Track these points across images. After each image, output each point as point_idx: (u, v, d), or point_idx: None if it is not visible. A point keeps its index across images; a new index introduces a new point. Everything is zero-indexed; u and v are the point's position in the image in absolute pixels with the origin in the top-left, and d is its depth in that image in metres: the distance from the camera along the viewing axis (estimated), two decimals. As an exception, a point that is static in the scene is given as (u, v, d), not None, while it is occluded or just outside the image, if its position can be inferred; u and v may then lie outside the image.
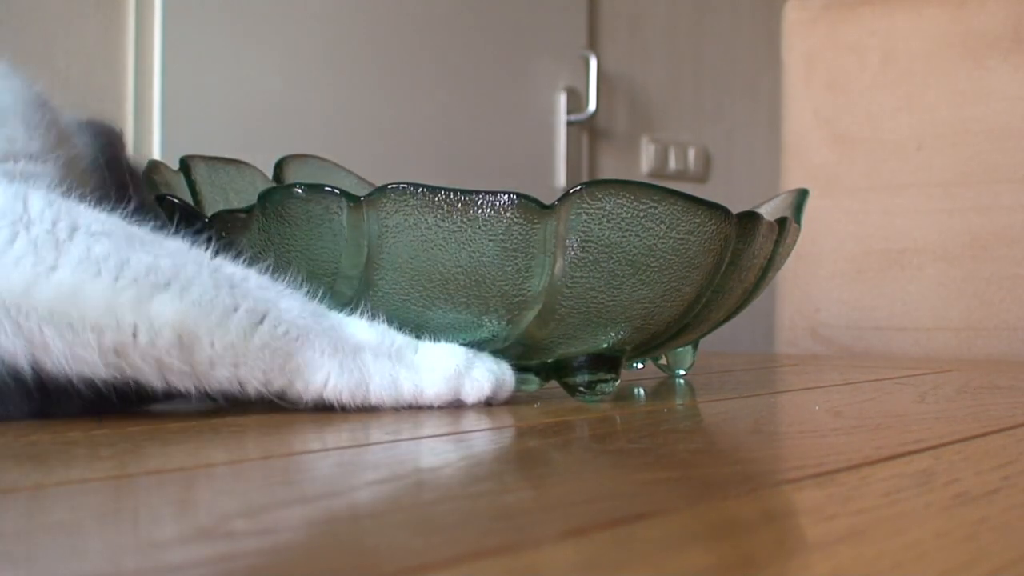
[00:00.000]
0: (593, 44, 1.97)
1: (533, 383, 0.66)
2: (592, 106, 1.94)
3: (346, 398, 0.55)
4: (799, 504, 0.35)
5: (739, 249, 0.62)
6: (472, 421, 0.56)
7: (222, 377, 0.52)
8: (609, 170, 2.01)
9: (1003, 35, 1.24)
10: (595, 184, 0.57)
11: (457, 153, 1.63)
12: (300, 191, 0.58)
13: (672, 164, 2.16)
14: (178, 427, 0.51)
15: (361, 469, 0.42)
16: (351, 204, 0.57)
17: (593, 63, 1.94)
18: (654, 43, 2.11)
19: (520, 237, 0.56)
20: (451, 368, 0.58)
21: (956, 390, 0.80)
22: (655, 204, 0.57)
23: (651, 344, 0.65)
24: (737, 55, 2.28)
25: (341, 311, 0.58)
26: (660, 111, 2.12)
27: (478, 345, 0.60)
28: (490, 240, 0.57)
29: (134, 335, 0.49)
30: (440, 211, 0.56)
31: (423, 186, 0.56)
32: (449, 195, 0.56)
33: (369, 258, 0.57)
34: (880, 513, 0.34)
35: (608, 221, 0.57)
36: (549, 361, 0.64)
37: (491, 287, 0.58)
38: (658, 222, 0.58)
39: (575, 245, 0.57)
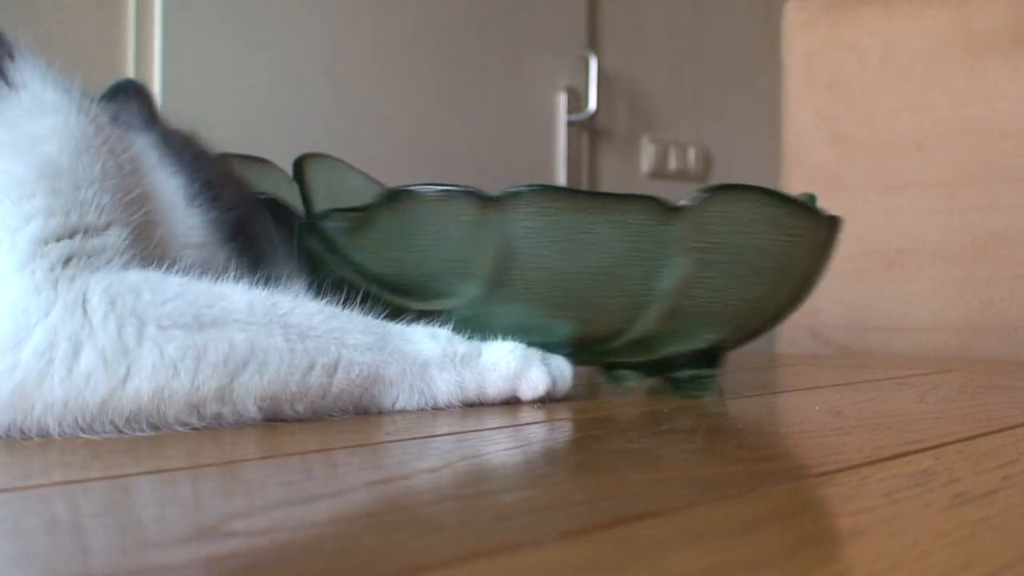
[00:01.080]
0: (593, 44, 1.97)
1: (632, 379, 0.70)
2: (592, 106, 1.94)
3: (415, 409, 0.58)
4: (799, 504, 0.35)
5: (827, 251, 0.67)
6: (470, 421, 0.56)
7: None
8: (609, 170, 2.01)
9: (1003, 35, 1.24)
10: (721, 188, 0.60)
11: (457, 153, 1.63)
12: (431, 192, 0.59)
13: (672, 164, 2.16)
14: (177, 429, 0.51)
15: (361, 469, 0.42)
16: (487, 205, 0.58)
17: (593, 63, 1.94)
18: (654, 43, 2.11)
19: (650, 238, 0.58)
20: (510, 369, 0.60)
21: (956, 390, 0.80)
22: (769, 208, 0.61)
23: (740, 342, 0.68)
24: (737, 55, 2.28)
25: (460, 308, 0.60)
26: (660, 111, 2.13)
27: (597, 341, 0.63)
28: (622, 241, 0.59)
29: (219, 420, 0.50)
30: (575, 213, 0.58)
31: (561, 188, 0.59)
32: (585, 197, 0.59)
33: (501, 257, 0.59)
34: (880, 513, 0.34)
35: (730, 224, 0.60)
36: (655, 359, 0.67)
37: (619, 286, 0.60)
38: (770, 225, 0.61)
39: (701, 246, 0.59)
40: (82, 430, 0.47)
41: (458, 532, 0.31)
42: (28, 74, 0.54)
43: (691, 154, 2.18)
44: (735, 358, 0.82)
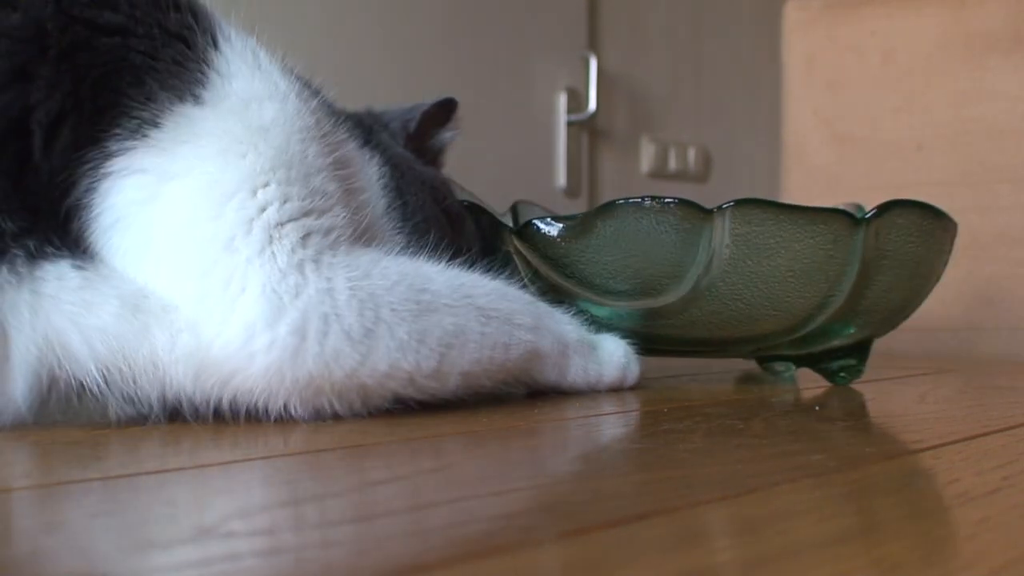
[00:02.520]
0: (593, 44, 1.97)
1: (789, 371, 0.79)
2: (592, 106, 1.94)
3: (551, 384, 0.65)
4: (799, 505, 0.35)
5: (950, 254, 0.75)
6: (466, 421, 0.56)
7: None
8: (609, 170, 2.01)
9: (1003, 35, 1.24)
10: (896, 203, 0.68)
11: (457, 153, 1.63)
12: (651, 203, 0.67)
13: (672, 164, 2.16)
14: (178, 427, 0.51)
15: (361, 469, 0.42)
16: (702, 215, 0.66)
17: (593, 63, 1.94)
18: (654, 43, 2.11)
19: (839, 246, 0.66)
20: (622, 361, 0.69)
21: (956, 390, 0.80)
22: (927, 220, 0.70)
23: (882, 334, 0.77)
24: (737, 55, 2.28)
25: (649, 305, 0.69)
26: (660, 111, 2.12)
27: (777, 335, 0.71)
28: (815, 248, 0.67)
29: (432, 395, 0.56)
30: (778, 223, 0.66)
31: (767, 202, 0.66)
32: (787, 210, 0.67)
33: (710, 261, 0.66)
34: (880, 513, 0.34)
35: (900, 233, 0.68)
36: (814, 351, 0.75)
37: (809, 288, 0.68)
38: (925, 234, 0.70)
39: (877, 253, 0.67)
40: (316, 409, 0.51)
41: (458, 532, 0.31)
42: (236, 61, 0.55)
43: (691, 154, 2.18)
44: (736, 359, 0.82)
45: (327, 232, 0.53)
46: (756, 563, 0.28)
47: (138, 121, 0.50)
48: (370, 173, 0.63)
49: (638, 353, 0.72)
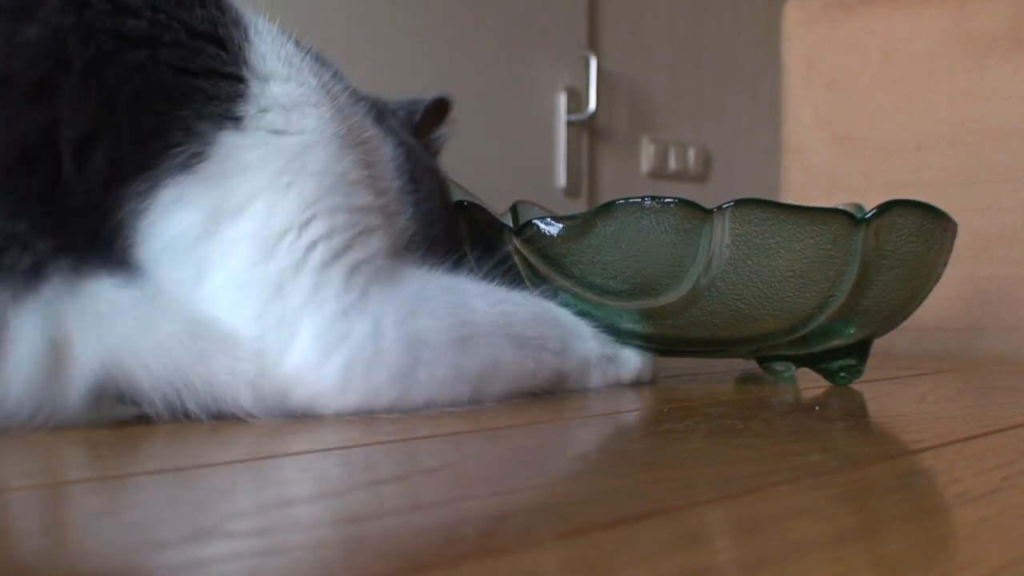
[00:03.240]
0: (593, 44, 1.97)
1: (789, 371, 0.80)
2: (592, 106, 1.94)
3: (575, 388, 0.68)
4: (799, 505, 0.35)
5: (950, 254, 0.76)
6: (467, 420, 0.56)
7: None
8: (609, 170, 2.01)
9: (1003, 35, 1.24)
10: (896, 203, 0.68)
11: (457, 153, 1.63)
12: (650, 203, 0.67)
13: (672, 164, 2.15)
14: (178, 427, 0.51)
15: (361, 469, 0.42)
16: (702, 215, 0.66)
17: (593, 63, 1.94)
18: (654, 43, 2.11)
19: (839, 246, 0.67)
20: (637, 366, 0.73)
21: (956, 390, 0.80)
22: (927, 220, 0.70)
23: (881, 334, 0.77)
24: (737, 55, 2.28)
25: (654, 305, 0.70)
26: (660, 111, 2.12)
27: (776, 335, 0.72)
28: (815, 248, 0.67)
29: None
30: (778, 223, 0.66)
31: (767, 202, 0.67)
32: (787, 210, 0.67)
33: (710, 261, 0.66)
34: (880, 513, 0.34)
35: (900, 233, 0.69)
36: (813, 351, 0.76)
37: (809, 288, 0.68)
38: (926, 234, 0.70)
39: (877, 253, 0.68)
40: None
41: (458, 532, 0.31)
42: (270, 56, 0.55)
43: (691, 154, 2.18)
44: (736, 359, 0.82)
45: (371, 258, 0.54)
46: (756, 563, 0.28)
47: (183, 155, 0.50)
48: (386, 154, 0.63)
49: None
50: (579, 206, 1.90)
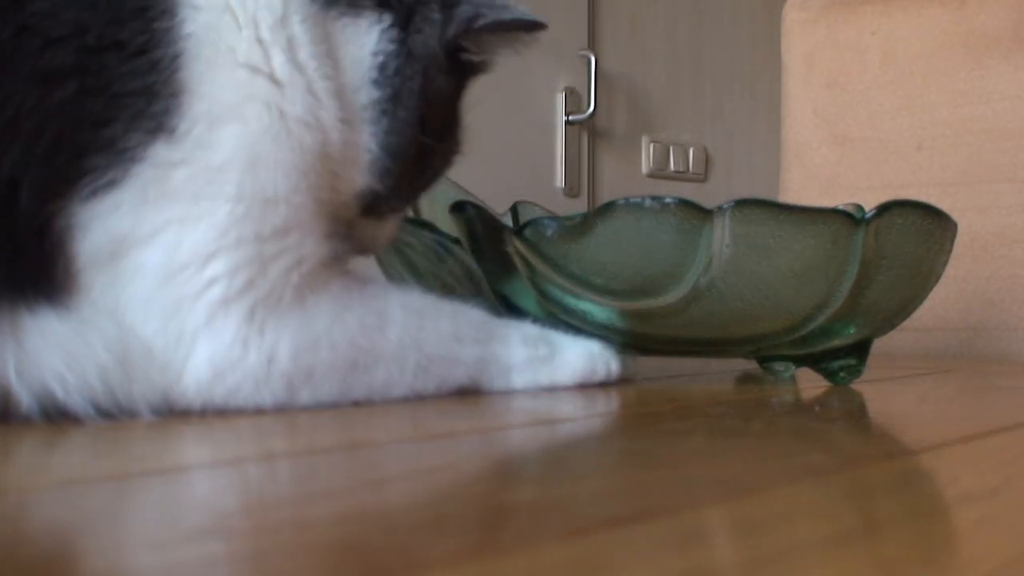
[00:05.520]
0: (593, 44, 1.97)
1: (789, 371, 0.79)
2: (592, 106, 1.94)
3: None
4: (799, 505, 0.35)
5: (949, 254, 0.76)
6: (467, 420, 0.56)
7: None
8: (609, 170, 2.01)
9: (1003, 35, 1.24)
10: (896, 203, 0.68)
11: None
12: (651, 204, 0.67)
13: (672, 164, 2.15)
14: (177, 426, 0.51)
15: (361, 469, 0.42)
16: (702, 216, 0.66)
17: (593, 63, 1.93)
18: (654, 43, 2.11)
19: (839, 246, 0.67)
20: (577, 370, 0.68)
21: (956, 390, 0.80)
22: (927, 221, 0.70)
23: (881, 334, 0.77)
24: (737, 55, 2.28)
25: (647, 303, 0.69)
26: (660, 111, 2.12)
27: (776, 335, 0.72)
28: (815, 248, 0.67)
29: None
30: (778, 223, 0.67)
31: (767, 202, 0.67)
32: (787, 210, 0.68)
33: (710, 262, 0.66)
34: (880, 513, 0.34)
35: (900, 233, 0.69)
36: (814, 351, 0.76)
37: (809, 288, 0.68)
38: (926, 235, 0.70)
39: (877, 254, 0.68)
40: None
41: (458, 532, 0.31)
42: (200, 70, 0.53)
43: (691, 154, 2.18)
44: (735, 360, 0.82)
45: (277, 288, 0.54)
46: (756, 563, 0.28)
47: (105, 177, 0.50)
48: (360, 54, 0.59)
49: (637, 353, 0.73)
50: (579, 206, 1.90)
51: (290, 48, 0.55)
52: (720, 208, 0.66)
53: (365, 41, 0.58)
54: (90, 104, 0.50)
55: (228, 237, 0.52)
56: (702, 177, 2.21)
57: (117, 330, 0.51)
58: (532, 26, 0.63)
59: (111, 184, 0.50)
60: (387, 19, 0.59)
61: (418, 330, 0.60)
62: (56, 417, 0.49)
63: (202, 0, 0.53)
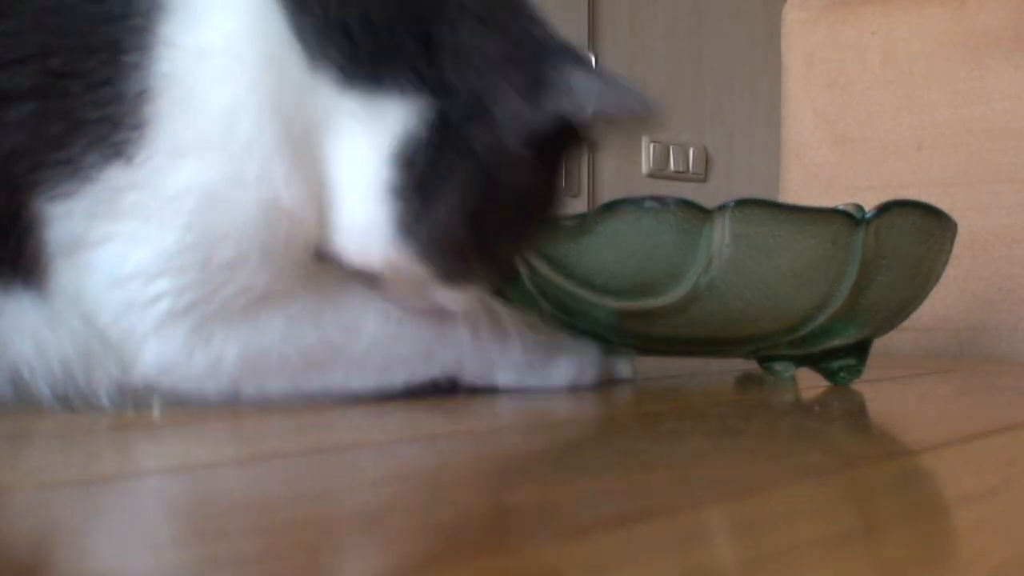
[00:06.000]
0: (593, 44, 1.97)
1: (789, 371, 0.79)
2: (592, 106, 1.93)
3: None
4: (799, 505, 0.35)
5: (949, 254, 0.76)
6: (469, 421, 0.56)
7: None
8: (609, 170, 2.01)
9: (1003, 35, 1.24)
10: (896, 203, 0.68)
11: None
12: (650, 203, 0.67)
13: (672, 164, 2.15)
14: (176, 426, 0.51)
15: (361, 469, 0.42)
16: (702, 216, 0.66)
17: (593, 63, 1.93)
18: (654, 43, 2.11)
19: (839, 246, 0.67)
20: (568, 377, 0.67)
21: (956, 390, 0.80)
22: (927, 221, 0.70)
23: (881, 334, 0.78)
24: (737, 55, 2.28)
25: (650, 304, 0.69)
26: (660, 111, 2.12)
27: (776, 335, 0.72)
28: (815, 248, 0.67)
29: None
30: (779, 223, 0.66)
31: (766, 202, 0.66)
32: (787, 210, 0.67)
33: (710, 261, 0.66)
34: (880, 513, 0.34)
35: (900, 233, 0.69)
36: (813, 351, 0.76)
37: (809, 288, 0.68)
38: (926, 235, 0.70)
39: (877, 254, 0.68)
40: None
41: (458, 532, 0.31)
42: (169, 96, 0.52)
43: (691, 154, 2.18)
44: (735, 360, 0.82)
45: (227, 305, 0.54)
46: (756, 563, 0.28)
47: (58, 190, 0.51)
48: (377, 135, 0.55)
49: (637, 353, 0.73)
50: (579, 206, 1.90)
51: (262, 110, 0.53)
52: (720, 208, 0.66)
53: (387, 122, 0.54)
54: (49, 125, 0.51)
55: (174, 262, 0.52)
56: (702, 177, 2.21)
57: (81, 321, 0.53)
58: (645, 114, 0.57)
59: (64, 195, 0.51)
60: (431, 105, 0.54)
61: (394, 337, 0.59)
62: (24, 401, 0.52)
63: (181, 40, 0.52)
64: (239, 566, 0.27)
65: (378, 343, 0.59)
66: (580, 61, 0.56)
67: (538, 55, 0.55)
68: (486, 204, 0.56)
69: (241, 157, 0.52)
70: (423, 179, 0.54)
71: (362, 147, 0.55)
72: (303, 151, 0.54)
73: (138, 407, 0.55)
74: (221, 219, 0.53)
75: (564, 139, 0.57)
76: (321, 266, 0.58)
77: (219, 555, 0.28)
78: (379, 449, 0.47)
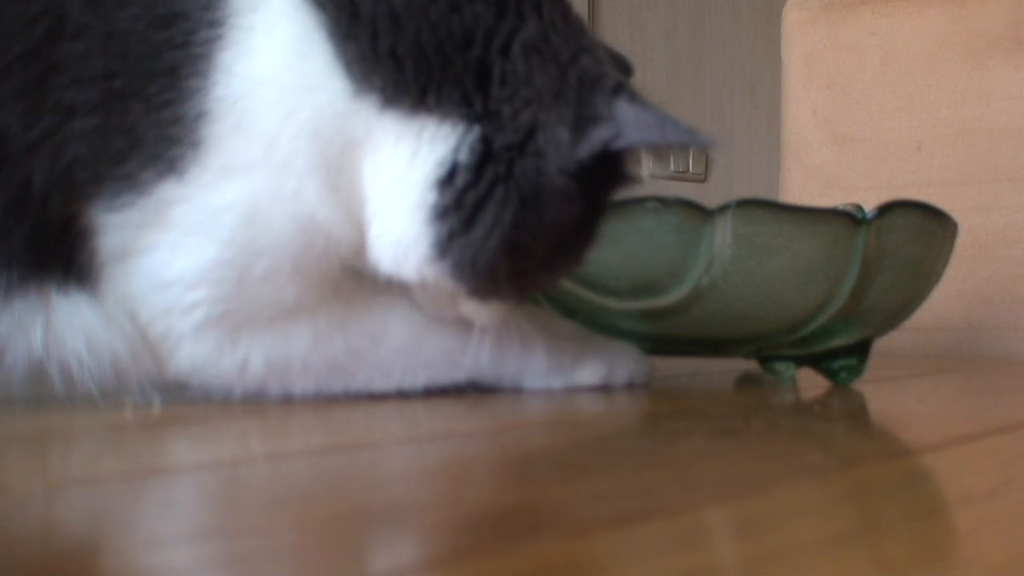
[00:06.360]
0: (593, 44, 1.96)
1: (790, 371, 0.79)
2: (592, 106, 1.93)
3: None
4: (798, 506, 0.35)
5: (951, 254, 0.76)
6: (469, 420, 0.56)
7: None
8: (609, 170, 2.01)
9: (1003, 35, 1.24)
10: (897, 204, 0.68)
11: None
12: (651, 203, 0.67)
13: (672, 164, 2.15)
14: (175, 425, 0.51)
15: (361, 469, 0.42)
16: (704, 216, 0.66)
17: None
18: (654, 43, 2.11)
19: (840, 246, 0.67)
20: (596, 379, 0.67)
21: (956, 390, 0.80)
22: (928, 220, 0.70)
23: (882, 334, 0.78)
24: (737, 55, 2.28)
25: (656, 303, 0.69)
26: (660, 111, 2.12)
27: (776, 335, 0.72)
28: (816, 248, 0.67)
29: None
30: (780, 223, 0.67)
31: (767, 202, 0.67)
32: (788, 210, 0.68)
33: (711, 261, 0.66)
34: (880, 513, 0.34)
35: (901, 233, 0.69)
36: (814, 351, 0.76)
37: (809, 288, 0.68)
38: (927, 235, 0.71)
39: (878, 254, 0.68)
40: None
41: (458, 532, 0.31)
42: (254, 48, 0.55)
43: (691, 154, 2.18)
44: (735, 360, 0.83)
45: (258, 316, 0.57)
46: (756, 563, 0.28)
47: (113, 202, 0.54)
48: (422, 157, 0.56)
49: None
50: (579, 206, 1.90)
51: (299, 134, 0.55)
52: (722, 208, 0.66)
53: (432, 144, 0.55)
54: (110, 140, 0.53)
55: (213, 274, 0.55)
56: (702, 177, 2.21)
57: (129, 323, 0.55)
58: (686, 144, 0.60)
59: (119, 207, 0.54)
60: (475, 131, 0.55)
61: (417, 343, 0.61)
62: (73, 393, 0.54)
63: (239, 68, 0.54)
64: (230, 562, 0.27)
65: (402, 349, 0.61)
66: (629, 93, 0.56)
67: (588, 87, 0.56)
68: (525, 231, 0.56)
69: (278, 177, 0.55)
70: (464, 202, 0.55)
71: (405, 168, 0.56)
72: (341, 171, 0.56)
73: (136, 405, 0.56)
74: (259, 235, 0.55)
75: (608, 173, 0.58)
76: (350, 272, 0.59)
77: (252, 549, 0.28)
78: (381, 449, 0.47)
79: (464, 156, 0.55)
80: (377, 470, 0.42)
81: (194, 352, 0.56)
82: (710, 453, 0.46)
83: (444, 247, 0.56)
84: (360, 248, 0.58)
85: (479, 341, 0.62)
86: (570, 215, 0.58)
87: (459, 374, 0.62)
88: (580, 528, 0.31)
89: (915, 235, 0.70)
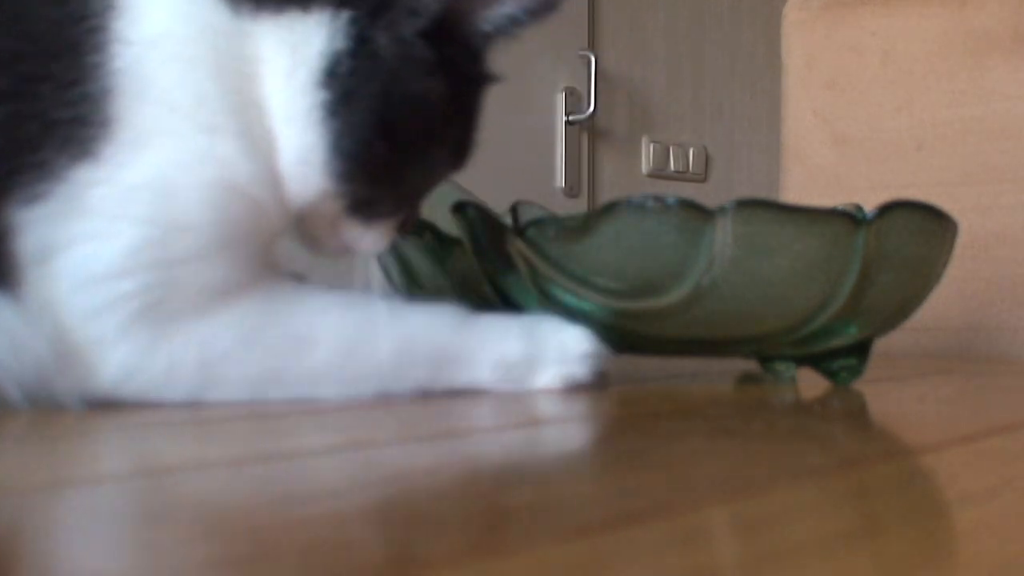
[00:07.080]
0: (593, 44, 1.97)
1: (790, 371, 0.79)
2: (592, 106, 1.94)
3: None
4: (798, 506, 0.35)
5: (951, 254, 0.77)
6: (468, 420, 0.56)
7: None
8: (609, 171, 2.01)
9: (1003, 35, 1.24)
10: (897, 204, 0.69)
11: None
12: (653, 204, 0.67)
13: (672, 164, 2.15)
14: (175, 425, 0.51)
15: (361, 469, 0.42)
16: (704, 216, 0.66)
17: (593, 63, 1.93)
18: (654, 43, 2.11)
19: (840, 247, 0.67)
20: (556, 378, 0.66)
21: (956, 390, 0.80)
22: (929, 221, 0.70)
23: (882, 334, 0.78)
24: (737, 55, 2.28)
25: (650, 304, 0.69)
26: (660, 111, 2.12)
27: (776, 335, 0.72)
28: (816, 249, 0.67)
29: None
30: (780, 224, 0.67)
31: (768, 202, 0.67)
32: (788, 211, 0.68)
33: (711, 262, 0.66)
34: (880, 513, 0.34)
35: (902, 233, 0.69)
36: (814, 351, 0.76)
37: (809, 288, 0.68)
38: (928, 235, 0.72)
39: (878, 254, 0.68)
40: None
41: (458, 531, 0.31)
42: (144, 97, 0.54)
43: (691, 154, 2.18)
44: (735, 360, 0.82)
45: (188, 304, 0.55)
46: (756, 563, 0.28)
47: (31, 193, 0.52)
48: (305, 54, 0.57)
49: (635, 353, 0.73)
50: (579, 206, 1.90)
51: (215, 74, 0.55)
52: (722, 208, 0.66)
53: (313, 40, 0.57)
54: (24, 127, 0.52)
55: (139, 258, 0.53)
56: (702, 177, 2.21)
57: (54, 327, 0.53)
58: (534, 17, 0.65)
59: (37, 198, 0.52)
60: (345, 15, 0.57)
61: (350, 354, 0.59)
62: None
63: (133, 35, 0.54)
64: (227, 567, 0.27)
65: (337, 359, 0.59)
66: None
67: None
68: (394, 108, 0.58)
69: (188, 135, 0.54)
70: (347, 91, 0.57)
71: (291, 71, 0.57)
72: (247, 107, 0.56)
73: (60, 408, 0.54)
74: (179, 208, 0.54)
75: (466, 59, 0.62)
76: (277, 278, 0.60)
77: (214, 556, 0.28)
78: (379, 449, 0.47)
79: (340, 43, 0.56)
80: (373, 471, 0.42)
81: (123, 355, 0.54)
82: (710, 453, 0.46)
83: (338, 146, 0.57)
84: (284, 214, 0.58)
85: (425, 351, 0.61)
86: (436, 93, 0.60)
87: (407, 384, 0.60)
88: (580, 528, 0.31)
89: (915, 235, 0.70)
